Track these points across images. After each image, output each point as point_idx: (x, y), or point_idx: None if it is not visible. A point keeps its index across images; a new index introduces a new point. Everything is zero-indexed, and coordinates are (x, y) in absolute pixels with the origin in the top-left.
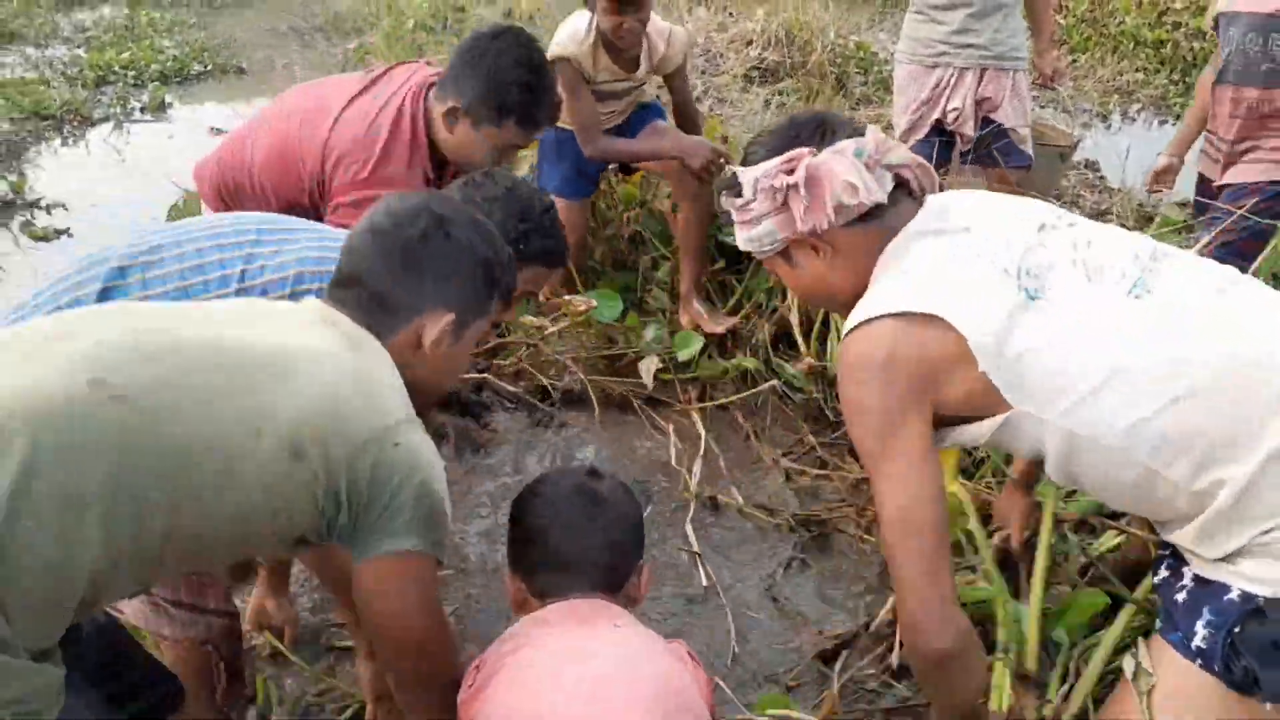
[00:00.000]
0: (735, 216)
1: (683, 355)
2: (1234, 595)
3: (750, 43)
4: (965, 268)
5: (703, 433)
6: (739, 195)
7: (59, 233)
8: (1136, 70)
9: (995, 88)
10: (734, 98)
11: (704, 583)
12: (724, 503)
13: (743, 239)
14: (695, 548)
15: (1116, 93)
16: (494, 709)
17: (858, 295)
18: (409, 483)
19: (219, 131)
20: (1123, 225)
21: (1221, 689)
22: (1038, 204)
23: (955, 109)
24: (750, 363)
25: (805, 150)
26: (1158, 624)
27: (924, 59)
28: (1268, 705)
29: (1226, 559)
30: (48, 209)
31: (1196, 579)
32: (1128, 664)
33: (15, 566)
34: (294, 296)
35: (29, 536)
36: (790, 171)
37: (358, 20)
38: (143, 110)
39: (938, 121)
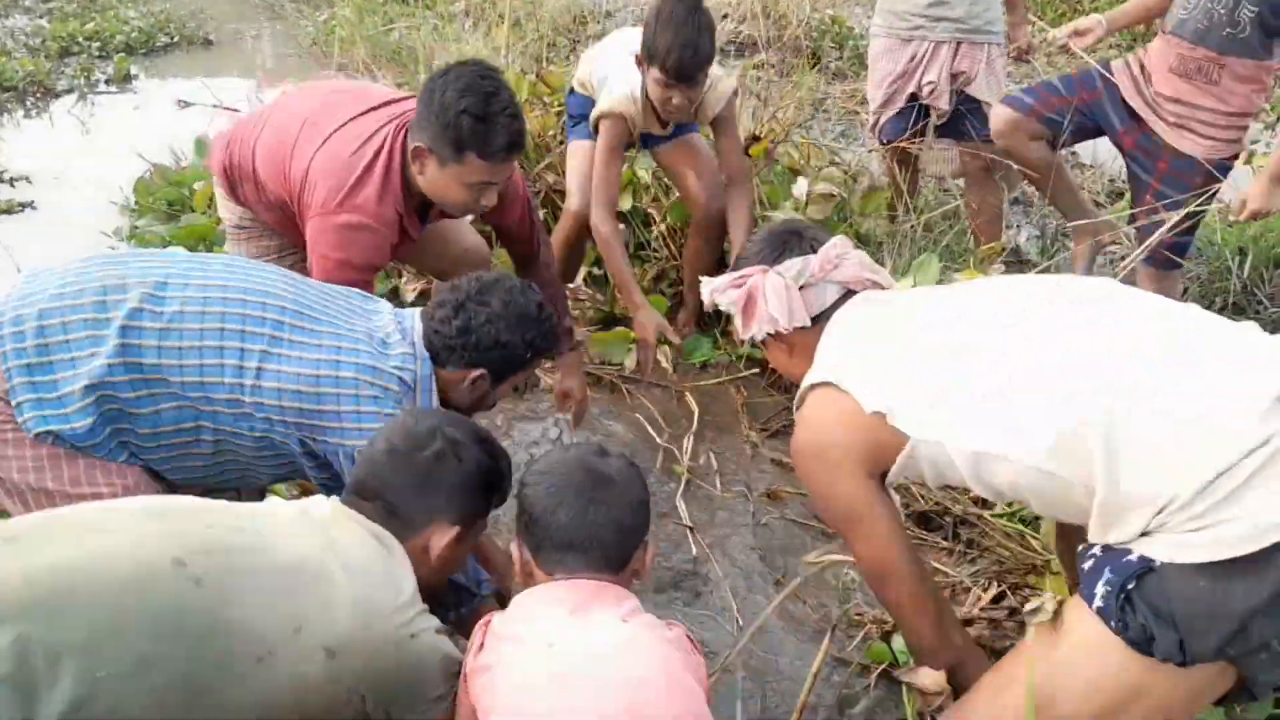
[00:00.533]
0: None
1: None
2: (1133, 557)
3: (726, 16)
4: (880, 341)
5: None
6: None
7: (23, 205)
8: (1110, 47)
9: (970, 61)
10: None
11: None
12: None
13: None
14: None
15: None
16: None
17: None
18: (430, 662)
19: (186, 104)
20: (1095, 201)
21: (1121, 646)
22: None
23: (930, 82)
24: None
25: (756, 269)
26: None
27: (899, 32)
28: (1159, 660)
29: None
30: (11, 182)
31: (1104, 547)
32: (1031, 605)
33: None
34: (285, 425)
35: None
36: (738, 287)
37: None
38: (108, 82)
39: (913, 95)
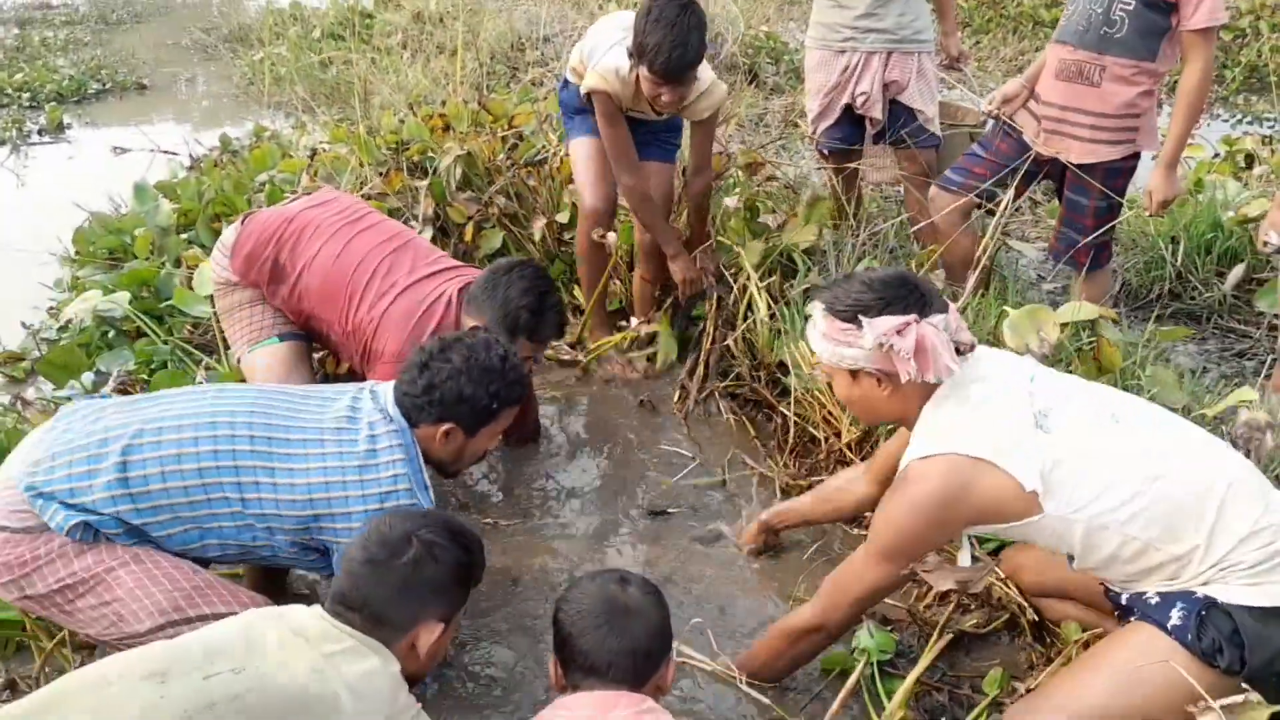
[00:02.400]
0: (831, 333)
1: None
2: (1198, 595)
3: None
4: (1004, 416)
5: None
6: (855, 325)
7: None
8: (1036, 49)
9: (901, 71)
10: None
11: None
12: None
13: (827, 350)
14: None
15: (1018, 71)
16: None
17: (898, 420)
18: None
19: (122, 150)
20: (1033, 200)
21: (1191, 658)
22: (1024, 359)
23: (864, 93)
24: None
25: (912, 318)
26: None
27: (832, 44)
28: (1221, 670)
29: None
30: None
31: (1161, 594)
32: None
33: None
34: (299, 521)
35: None
36: (901, 333)
37: (262, 31)
38: (40, 132)
39: (847, 105)
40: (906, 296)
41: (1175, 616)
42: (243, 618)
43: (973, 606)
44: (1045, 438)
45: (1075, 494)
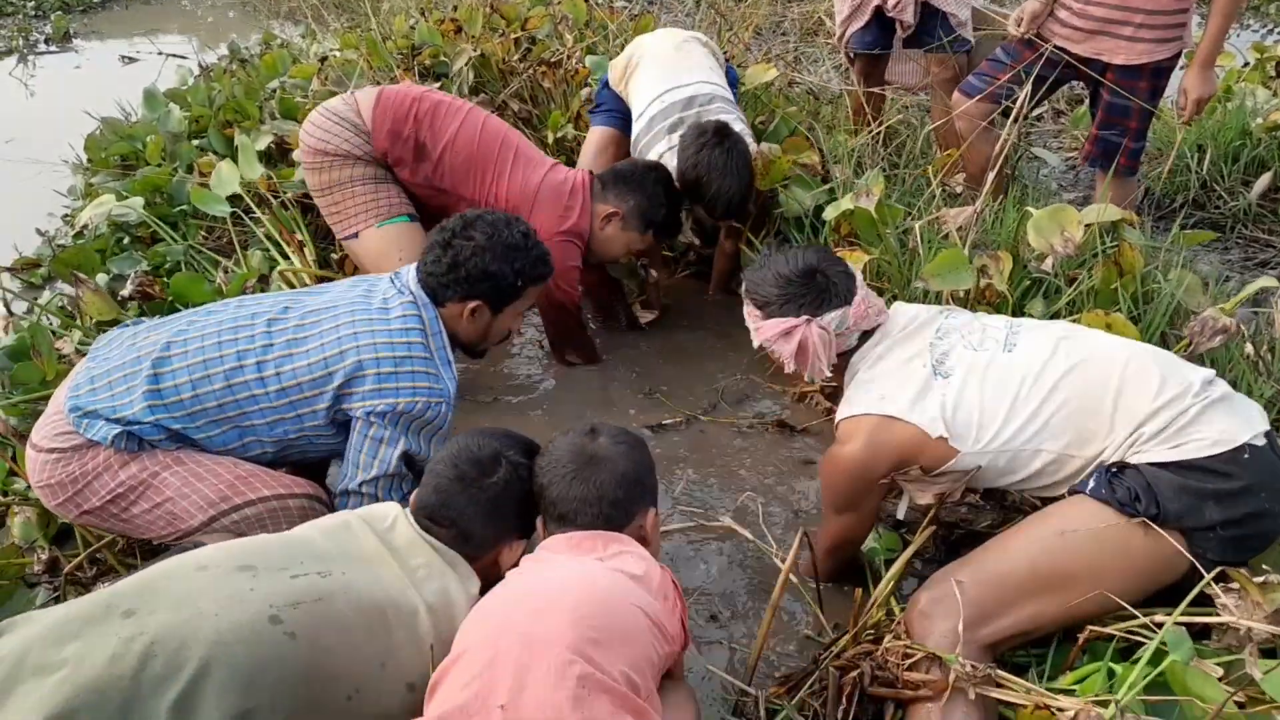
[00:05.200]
0: (748, 311)
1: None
2: (1111, 466)
3: None
4: (908, 371)
5: None
6: (758, 314)
7: None
8: None
9: None
10: None
11: None
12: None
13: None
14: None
15: None
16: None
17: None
18: None
19: (130, 60)
20: (1056, 109)
21: (1111, 511)
22: (935, 311)
23: None
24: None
25: (801, 321)
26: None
27: None
28: (1144, 523)
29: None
30: None
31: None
32: None
33: None
34: (324, 395)
35: None
36: (788, 334)
37: None
38: (47, 41)
39: (878, 8)
40: (806, 294)
41: (1091, 482)
42: (335, 519)
43: (987, 507)
44: (944, 383)
45: (981, 431)
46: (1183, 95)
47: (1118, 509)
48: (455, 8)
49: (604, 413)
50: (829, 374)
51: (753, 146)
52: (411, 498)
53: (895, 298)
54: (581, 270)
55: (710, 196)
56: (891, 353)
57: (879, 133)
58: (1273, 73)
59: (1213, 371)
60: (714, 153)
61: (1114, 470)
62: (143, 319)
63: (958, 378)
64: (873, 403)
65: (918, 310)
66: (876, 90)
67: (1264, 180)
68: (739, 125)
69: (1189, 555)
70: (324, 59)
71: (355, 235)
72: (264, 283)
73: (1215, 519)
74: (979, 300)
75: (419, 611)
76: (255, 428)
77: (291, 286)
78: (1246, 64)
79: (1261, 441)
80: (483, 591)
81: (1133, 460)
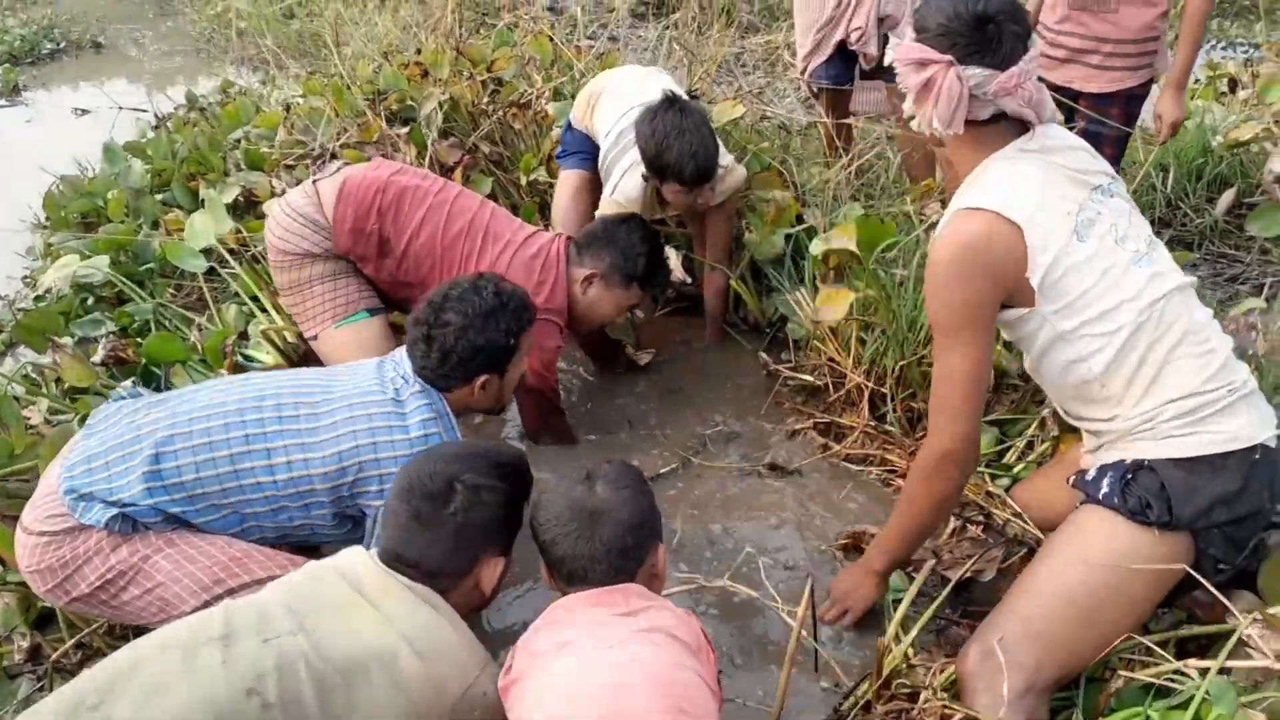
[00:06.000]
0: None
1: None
2: (1126, 461)
3: None
4: (1050, 192)
5: None
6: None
7: None
8: None
9: (896, 5)
10: (626, 34)
11: None
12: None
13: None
14: None
15: None
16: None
17: (957, 167)
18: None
19: (83, 111)
20: None
21: (1123, 520)
22: (1098, 164)
23: (858, 28)
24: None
25: (943, 60)
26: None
27: None
28: (1155, 530)
29: (1113, 445)
30: None
31: (1099, 467)
32: None
33: None
34: (334, 490)
35: None
36: (922, 67)
37: None
38: None
39: (840, 42)
40: (964, 37)
41: (1105, 485)
42: (304, 572)
43: (990, 541)
44: (1076, 246)
45: (1069, 310)
46: (1158, 119)
47: (1128, 518)
48: (419, 51)
49: (595, 456)
50: (941, 132)
51: (729, 158)
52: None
53: (884, 332)
54: (579, 338)
55: (674, 161)
56: (1047, 173)
57: (852, 165)
58: (1225, 89)
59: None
60: (666, 117)
61: (1127, 474)
62: (141, 390)
63: (1084, 251)
64: (1002, 203)
65: (1084, 154)
66: (845, 122)
67: (1228, 197)
68: None
69: (1194, 552)
70: (288, 107)
71: (315, 337)
72: (243, 339)
73: (1221, 519)
74: None
75: (399, 654)
76: (258, 514)
77: (274, 344)
78: (1198, 81)
79: (1274, 443)
80: (467, 617)
81: (1147, 444)
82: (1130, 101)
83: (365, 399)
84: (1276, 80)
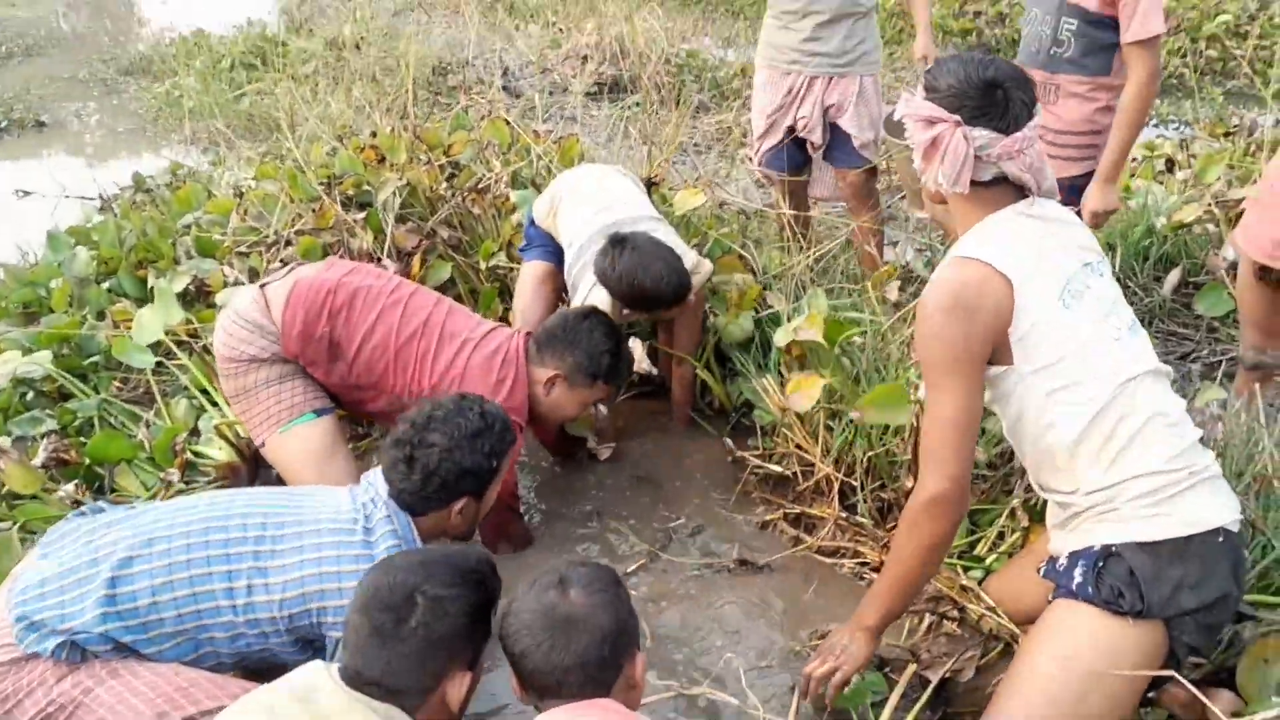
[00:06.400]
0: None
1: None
2: (1095, 548)
3: (586, 58)
4: (1044, 259)
5: None
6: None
7: None
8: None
9: (841, 94)
10: (581, 116)
11: None
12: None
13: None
14: None
15: None
16: None
17: (951, 220)
18: None
19: (25, 194)
20: None
21: (1097, 612)
22: (1090, 241)
23: (804, 116)
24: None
25: (951, 119)
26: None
27: (778, 64)
28: (1130, 620)
29: (1078, 528)
30: None
31: (1070, 555)
32: None
33: None
34: (294, 620)
35: None
36: (930, 123)
37: (167, 61)
38: None
39: (790, 127)
40: (974, 100)
41: (1077, 575)
42: (261, 700)
43: (968, 639)
44: (1061, 311)
45: (1043, 369)
46: (1083, 207)
47: (1102, 608)
48: (374, 134)
49: (560, 551)
50: (947, 189)
51: (691, 258)
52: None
53: (851, 421)
54: (539, 432)
55: (651, 294)
56: (1043, 239)
57: (810, 249)
58: (1163, 168)
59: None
60: (623, 259)
61: (1099, 561)
62: (103, 506)
63: (1068, 319)
64: (996, 256)
65: (1079, 229)
66: (802, 214)
67: (1174, 276)
68: (668, 237)
69: (1169, 643)
70: (241, 193)
71: (263, 444)
72: (194, 435)
73: (1190, 606)
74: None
75: None
76: (214, 640)
77: (227, 440)
78: (1136, 160)
79: (1235, 528)
80: None
81: (1113, 526)
82: (1072, 190)
83: (334, 527)
84: (1213, 161)
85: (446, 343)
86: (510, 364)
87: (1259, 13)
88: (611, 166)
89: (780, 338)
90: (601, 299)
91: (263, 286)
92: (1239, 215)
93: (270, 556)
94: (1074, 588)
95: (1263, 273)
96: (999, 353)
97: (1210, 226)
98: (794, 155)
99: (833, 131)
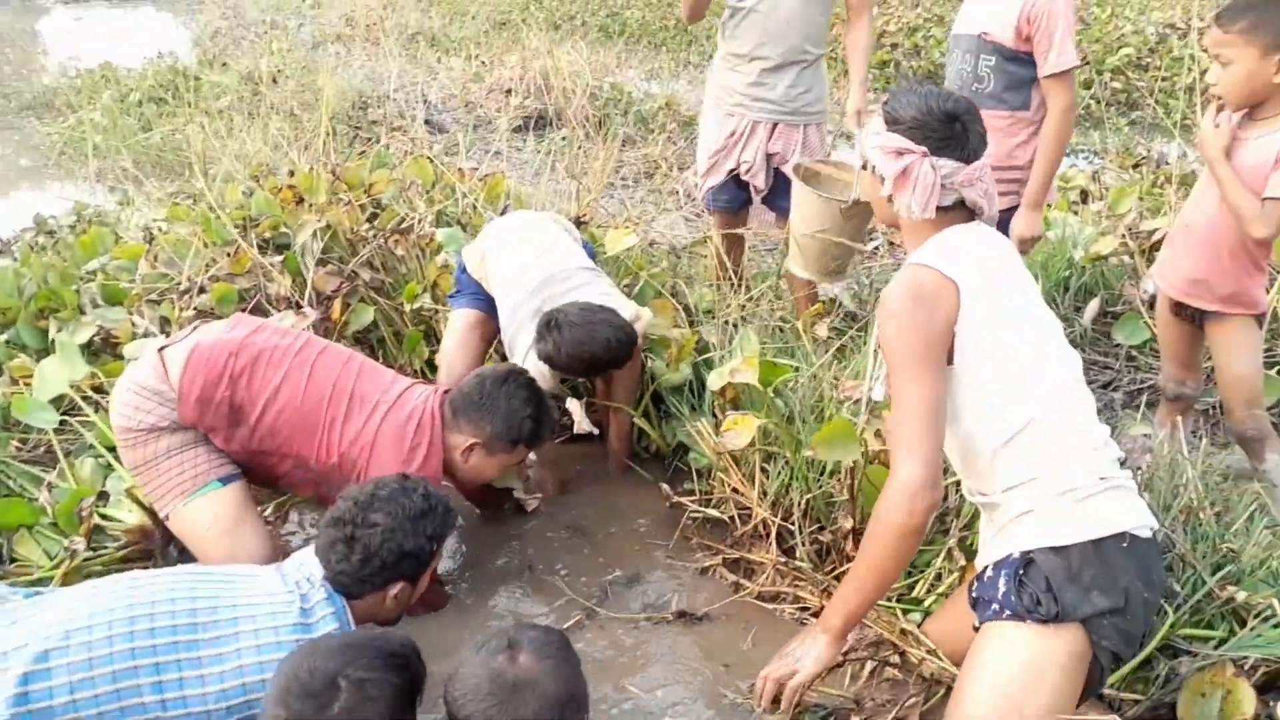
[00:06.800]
0: (875, 128)
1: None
2: (1015, 555)
3: (510, 91)
4: (990, 278)
5: None
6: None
7: None
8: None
9: (785, 142)
10: (506, 150)
11: None
12: None
13: (867, 144)
14: None
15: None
16: None
17: (905, 238)
18: None
19: None
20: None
21: (1017, 624)
22: (1025, 268)
23: (747, 161)
24: None
25: (919, 150)
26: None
27: (723, 105)
28: (1050, 626)
29: (1001, 530)
30: None
31: (994, 565)
32: None
33: None
34: (232, 712)
35: None
36: (900, 155)
37: (71, 96)
38: None
39: (733, 170)
40: (937, 132)
41: (1001, 585)
42: None
43: (910, 684)
44: (1002, 323)
45: (978, 377)
46: (1011, 234)
47: (1026, 617)
48: (292, 173)
49: (489, 602)
50: (918, 215)
51: (630, 310)
52: None
53: (787, 463)
54: (460, 486)
55: (604, 360)
56: (988, 257)
57: (744, 288)
58: (1077, 198)
59: None
60: (564, 337)
61: (1019, 570)
62: (15, 593)
63: (1008, 334)
64: (949, 265)
65: (1016, 253)
66: (735, 253)
67: (1093, 306)
68: (605, 290)
69: (1091, 649)
70: (151, 237)
71: (168, 517)
72: (102, 498)
73: (1103, 606)
74: (871, 463)
75: None
76: None
77: (138, 503)
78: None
79: (1146, 534)
80: None
81: (1025, 521)
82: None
83: (271, 611)
84: (1125, 193)
85: (356, 408)
86: (425, 430)
87: (1159, 45)
88: (543, 214)
89: (714, 382)
90: (539, 365)
91: (161, 350)
92: (1153, 246)
93: (203, 646)
94: (999, 598)
95: (1178, 309)
96: (944, 333)
97: (1126, 258)
98: (736, 194)
99: (776, 177)
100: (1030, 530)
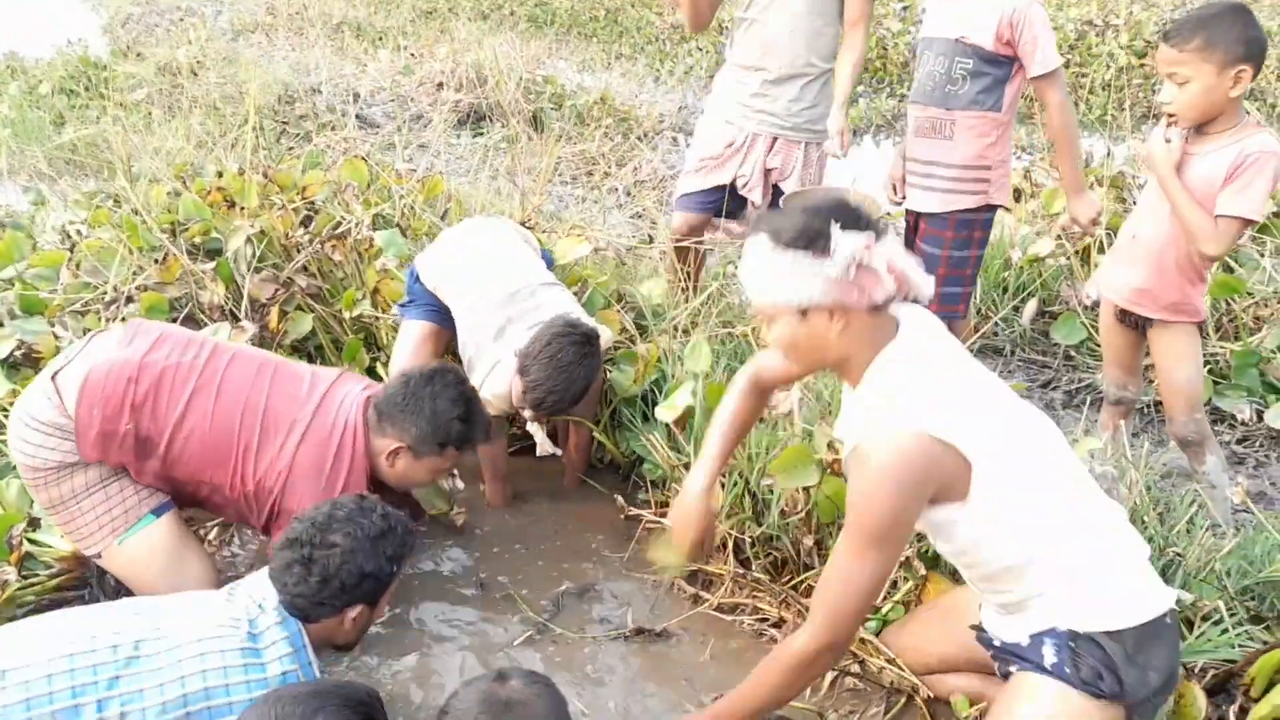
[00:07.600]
0: (782, 266)
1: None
2: (1060, 629)
3: (441, 85)
4: (971, 409)
5: None
6: (812, 251)
7: None
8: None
9: (784, 158)
10: (443, 149)
11: None
12: None
13: (776, 288)
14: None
15: None
16: None
17: (845, 361)
18: None
19: None
20: None
21: (1075, 692)
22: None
23: (744, 175)
24: None
25: (870, 237)
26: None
27: (723, 113)
28: (1106, 701)
29: (1030, 612)
30: None
31: (1033, 636)
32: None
33: None
34: None
35: None
36: (870, 249)
37: None
38: None
39: (723, 185)
40: (857, 220)
41: (1049, 654)
42: None
43: (870, 693)
44: (1013, 471)
45: (994, 509)
46: (1074, 223)
47: (1081, 688)
48: (220, 174)
49: (436, 618)
50: (880, 300)
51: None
52: None
53: (751, 492)
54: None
55: (583, 393)
56: (942, 364)
57: (698, 292)
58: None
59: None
60: (568, 348)
61: (1071, 643)
62: None
63: (1021, 469)
64: (927, 420)
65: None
66: (692, 258)
67: (1031, 307)
68: (568, 305)
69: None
70: (73, 243)
71: (99, 556)
72: (33, 525)
73: (1156, 685)
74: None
75: None
76: None
77: None
78: None
79: (1176, 608)
80: None
81: (1071, 612)
82: (961, 224)
83: (217, 635)
84: (1057, 194)
85: (271, 432)
86: (345, 449)
87: (1078, 42)
88: (498, 221)
89: (664, 414)
90: (502, 381)
91: (54, 376)
92: (1086, 248)
93: (145, 678)
94: (1049, 667)
95: (1123, 316)
96: (948, 492)
97: (1063, 259)
98: (709, 203)
99: (774, 193)
100: (1073, 615)
